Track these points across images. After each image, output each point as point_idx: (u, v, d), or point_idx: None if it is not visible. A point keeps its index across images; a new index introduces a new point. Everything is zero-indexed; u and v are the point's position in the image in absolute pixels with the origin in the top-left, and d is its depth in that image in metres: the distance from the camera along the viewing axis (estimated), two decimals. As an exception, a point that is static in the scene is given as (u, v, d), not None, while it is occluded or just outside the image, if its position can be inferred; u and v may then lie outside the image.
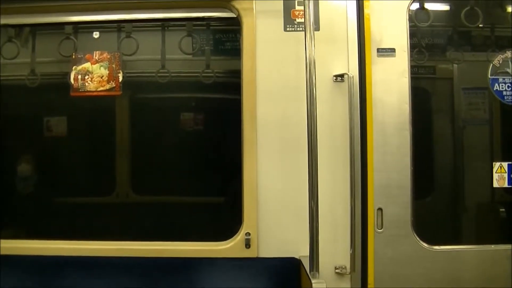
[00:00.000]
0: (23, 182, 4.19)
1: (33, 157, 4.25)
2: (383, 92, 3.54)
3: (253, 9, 3.61)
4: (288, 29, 3.62)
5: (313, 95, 3.15)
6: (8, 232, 3.89)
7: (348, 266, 3.50)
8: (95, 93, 3.77)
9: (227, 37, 4.01)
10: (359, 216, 3.52)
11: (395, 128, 3.53)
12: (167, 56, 3.98)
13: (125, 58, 3.87)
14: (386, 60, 3.56)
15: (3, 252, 3.61)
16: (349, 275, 3.52)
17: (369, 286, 3.51)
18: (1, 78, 4.01)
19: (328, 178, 3.50)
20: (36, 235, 3.85)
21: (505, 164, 3.63)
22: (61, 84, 3.89)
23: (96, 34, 3.92)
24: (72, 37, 3.90)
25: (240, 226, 3.60)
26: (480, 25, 3.80)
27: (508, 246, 3.53)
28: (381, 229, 3.52)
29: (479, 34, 3.90)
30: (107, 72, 3.77)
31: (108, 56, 3.79)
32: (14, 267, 3.62)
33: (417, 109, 3.60)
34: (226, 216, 3.93)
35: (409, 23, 3.61)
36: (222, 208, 4.07)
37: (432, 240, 3.55)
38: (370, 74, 3.54)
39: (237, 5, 3.62)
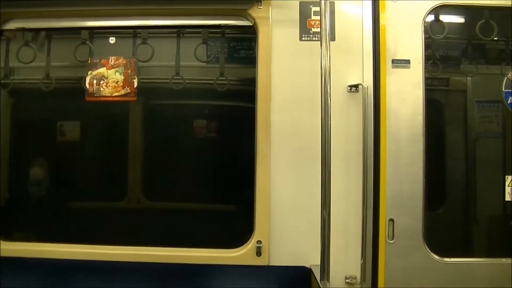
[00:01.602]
0: (35, 186, 4.20)
1: (46, 161, 4.26)
2: (397, 103, 3.55)
3: (269, 18, 3.63)
4: (303, 38, 3.64)
5: (327, 105, 3.16)
6: (21, 235, 3.92)
7: (358, 277, 3.51)
8: (110, 98, 3.78)
9: (242, 45, 4.01)
10: (371, 227, 3.51)
11: (409, 139, 3.54)
12: (182, 63, 3.97)
13: (140, 64, 3.87)
14: (401, 71, 3.56)
15: (13, 254, 3.64)
16: (360, 286, 3.51)
17: (379, 297, 3.51)
18: (18, 81, 4.05)
19: (341, 188, 3.50)
20: (48, 238, 3.85)
21: (517, 178, 3.64)
22: (76, 89, 3.90)
23: (112, 40, 3.94)
24: (88, 42, 3.91)
25: (252, 234, 3.61)
26: (495, 38, 3.80)
27: (520, 260, 3.54)
28: (392, 240, 3.52)
29: (494, 47, 3.90)
30: (122, 77, 3.79)
31: (124, 62, 3.81)
32: (25, 270, 3.64)
33: (430, 120, 3.61)
34: (237, 223, 3.93)
35: (424, 35, 3.62)
36: (234, 215, 4.07)
37: (443, 252, 3.55)
38: (384, 85, 3.55)
39: (253, 13, 3.64)
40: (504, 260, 3.57)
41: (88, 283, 3.61)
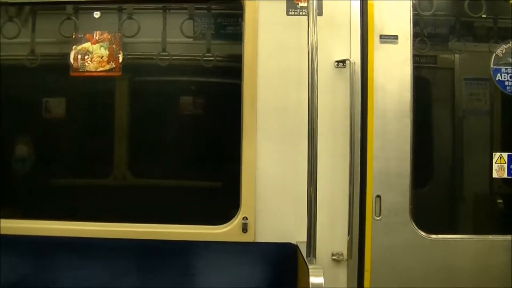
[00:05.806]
0: (20, 163, 4.16)
1: (31, 138, 4.22)
2: (385, 79, 3.53)
3: (255, -7, 3.59)
4: (290, 13, 3.60)
5: (314, 81, 3.13)
6: (5, 212, 3.87)
7: (345, 253, 3.51)
8: (94, 74, 3.74)
9: (229, 21, 3.96)
10: (358, 203, 3.51)
11: (396, 116, 3.53)
12: (168, 39, 3.93)
13: (125, 40, 3.83)
14: (389, 47, 3.54)
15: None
16: (346, 262, 3.52)
17: (365, 273, 3.51)
18: (2, 58, 3.99)
19: (327, 165, 3.48)
20: (32, 216, 3.82)
21: (505, 155, 3.63)
22: (61, 65, 3.85)
23: (97, 14, 3.88)
24: (73, 17, 3.84)
25: (238, 210, 3.59)
26: (483, 15, 3.79)
27: (506, 237, 3.55)
28: (379, 216, 3.52)
29: (482, 24, 3.89)
30: (107, 52, 3.74)
31: (109, 37, 3.76)
32: (8, 247, 3.60)
33: (418, 97, 3.60)
34: (223, 200, 3.91)
35: (413, 11, 3.60)
36: (220, 192, 4.05)
37: (430, 228, 3.56)
38: (372, 61, 3.53)
39: None
40: (490, 237, 3.59)
41: (73, 260, 3.60)
